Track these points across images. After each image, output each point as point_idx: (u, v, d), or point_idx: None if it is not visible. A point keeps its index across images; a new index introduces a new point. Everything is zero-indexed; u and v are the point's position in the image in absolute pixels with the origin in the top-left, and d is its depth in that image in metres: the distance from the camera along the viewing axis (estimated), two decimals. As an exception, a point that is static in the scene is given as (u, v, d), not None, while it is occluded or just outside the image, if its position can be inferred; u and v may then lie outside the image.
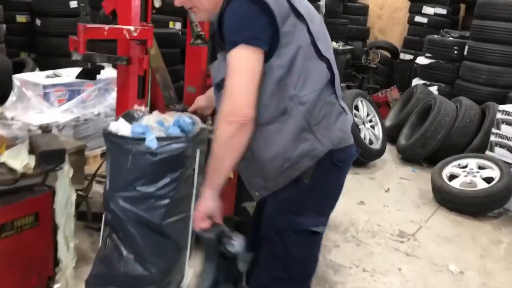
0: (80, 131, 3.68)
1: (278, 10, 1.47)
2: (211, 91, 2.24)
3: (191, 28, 2.99)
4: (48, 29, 6.04)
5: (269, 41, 1.48)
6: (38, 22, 6.11)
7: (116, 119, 2.02)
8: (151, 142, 1.81)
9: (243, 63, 1.45)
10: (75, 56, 2.60)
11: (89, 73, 2.79)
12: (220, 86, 1.58)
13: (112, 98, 3.93)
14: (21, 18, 6.25)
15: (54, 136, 2.44)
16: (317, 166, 1.56)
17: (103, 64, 2.82)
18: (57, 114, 3.54)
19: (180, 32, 5.02)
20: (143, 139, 1.83)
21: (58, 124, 3.49)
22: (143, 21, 2.84)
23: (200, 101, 2.41)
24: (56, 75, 3.81)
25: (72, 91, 3.76)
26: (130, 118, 2.04)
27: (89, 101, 3.82)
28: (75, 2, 6.03)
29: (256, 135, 1.52)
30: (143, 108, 2.09)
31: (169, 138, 1.88)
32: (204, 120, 2.27)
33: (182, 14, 5.83)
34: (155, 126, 1.92)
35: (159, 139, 1.84)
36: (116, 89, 3.40)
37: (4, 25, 5.67)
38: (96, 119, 3.78)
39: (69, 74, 3.81)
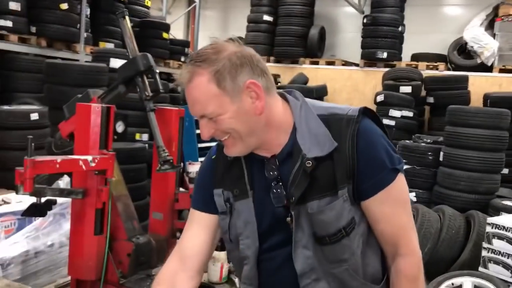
0: (29, 266, 3.21)
1: None
2: None
3: (158, 153, 2.72)
4: (6, 142, 5.71)
5: None
6: (-5, 135, 5.78)
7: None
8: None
9: (408, 194, 1.35)
10: (21, 191, 2.25)
11: (38, 209, 2.43)
12: (336, 238, 1.25)
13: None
14: (-23, 132, 5.91)
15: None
16: None
17: (55, 198, 2.48)
18: (3, 249, 3.09)
19: (146, 146, 4.76)
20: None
21: (3, 261, 3.04)
22: (103, 148, 2.55)
23: None
24: (5, 202, 3.41)
25: (22, 220, 3.34)
26: None
27: (42, 230, 3.39)
28: (36, 115, 5.78)
29: None
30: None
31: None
32: None
33: (148, 125, 5.64)
34: None
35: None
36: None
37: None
38: (49, 251, 3.34)
39: (20, 200, 3.42)
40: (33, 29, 6.73)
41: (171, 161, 2.72)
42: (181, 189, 3.23)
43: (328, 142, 1.25)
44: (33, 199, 2.40)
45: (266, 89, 1.26)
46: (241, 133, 1.24)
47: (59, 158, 2.25)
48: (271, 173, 1.31)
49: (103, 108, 2.53)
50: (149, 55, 2.82)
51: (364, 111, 1.30)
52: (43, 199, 2.42)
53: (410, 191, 5.67)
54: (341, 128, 1.26)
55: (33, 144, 2.12)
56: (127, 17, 2.91)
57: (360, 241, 1.28)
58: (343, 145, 1.24)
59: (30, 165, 2.11)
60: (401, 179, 1.29)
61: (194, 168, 3.30)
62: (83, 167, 2.33)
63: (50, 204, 2.44)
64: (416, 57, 9.41)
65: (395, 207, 1.29)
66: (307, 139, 1.26)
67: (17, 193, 2.31)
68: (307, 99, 1.34)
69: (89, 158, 2.36)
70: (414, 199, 5.51)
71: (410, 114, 7.92)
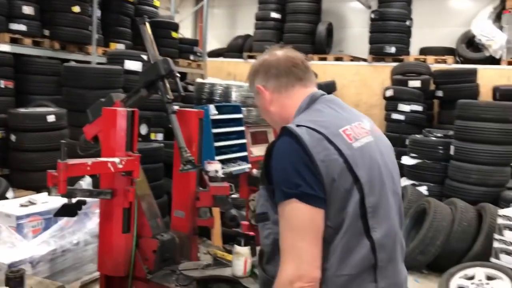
0: (57, 264, 3.34)
1: (326, 170, 1.29)
2: None
3: (180, 154, 2.82)
4: (23, 144, 5.83)
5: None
6: (13, 137, 5.91)
7: None
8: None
9: (300, 223, 1.29)
10: (53, 193, 2.37)
11: (70, 210, 2.55)
12: (258, 219, 1.47)
13: (93, 223, 3.64)
14: (-4, 134, 6.05)
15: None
16: None
17: (85, 198, 2.59)
18: (32, 248, 3.22)
19: (163, 145, 4.87)
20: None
21: (33, 260, 3.17)
22: (129, 150, 2.66)
23: None
24: (31, 203, 3.54)
25: (48, 219, 3.47)
26: None
27: (67, 229, 3.52)
28: (53, 117, 5.90)
29: None
30: None
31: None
32: None
33: (163, 125, 5.75)
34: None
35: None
36: (98, 215, 3.15)
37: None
38: (75, 249, 3.47)
39: (46, 201, 3.55)
40: (46, 32, 6.85)
41: (193, 161, 2.82)
42: (200, 188, 3.34)
43: None
44: (60, 200, 2.52)
45: (275, 89, 1.53)
46: (269, 123, 1.64)
47: (89, 161, 2.37)
48: None
49: (129, 112, 2.64)
50: (169, 60, 2.92)
51: (288, 130, 1.36)
52: (73, 200, 2.54)
53: (421, 185, 5.75)
54: None
55: (66, 148, 2.23)
56: (147, 24, 3.01)
57: (271, 237, 1.40)
58: None
59: (63, 168, 2.22)
60: (292, 204, 1.28)
61: (212, 167, 3.39)
62: (112, 168, 2.45)
63: (80, 205, 2.56)
64: (424, 51, 9.45)
65: (283, 226, 1.32)
66: None
67: (49, 194, 2.41)
68: (315, 106, 1.48)
69: (117, 160, 2.47)
70: (426, 193, 5.58)
71: (420, 108, 7.97)
